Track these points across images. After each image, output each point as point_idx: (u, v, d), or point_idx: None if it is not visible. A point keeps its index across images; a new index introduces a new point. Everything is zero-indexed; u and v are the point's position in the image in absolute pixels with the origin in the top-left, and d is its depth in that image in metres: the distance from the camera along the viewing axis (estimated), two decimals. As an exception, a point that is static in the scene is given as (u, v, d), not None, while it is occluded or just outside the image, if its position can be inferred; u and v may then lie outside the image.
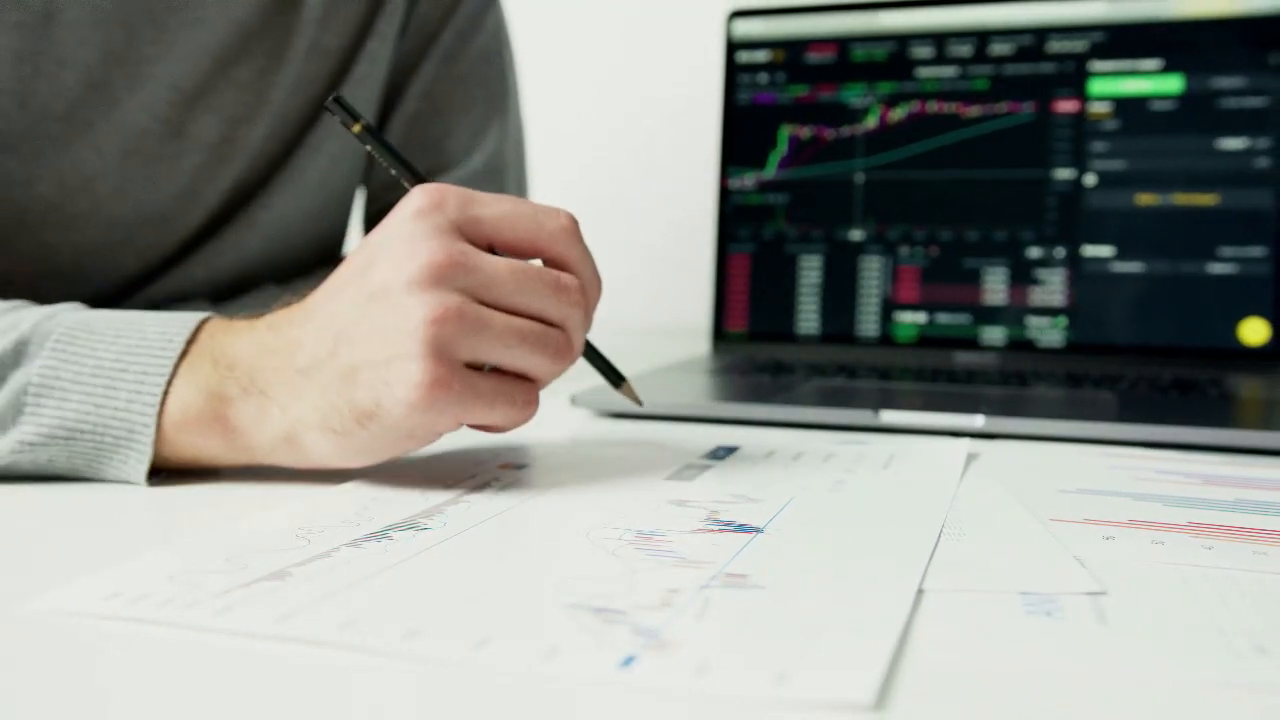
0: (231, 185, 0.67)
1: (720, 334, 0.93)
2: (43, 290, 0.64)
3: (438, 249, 0.40)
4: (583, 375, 0.78)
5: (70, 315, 0.44)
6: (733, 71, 0.94)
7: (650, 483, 0.44)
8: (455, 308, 0.39)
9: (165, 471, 0.44)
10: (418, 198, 0.41)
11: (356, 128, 0.46)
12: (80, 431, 0.42)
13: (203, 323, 0.44)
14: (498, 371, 0.42)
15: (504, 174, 0.79)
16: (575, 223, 0.44)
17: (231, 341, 0.43)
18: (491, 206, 0.42)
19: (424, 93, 0.76)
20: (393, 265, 0.40)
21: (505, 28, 0.81)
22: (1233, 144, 0.82)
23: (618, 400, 0.62)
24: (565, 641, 0.26)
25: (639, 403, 0.50)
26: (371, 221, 0.81)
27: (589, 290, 0.44)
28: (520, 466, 0.47)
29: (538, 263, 0.44)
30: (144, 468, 0.42)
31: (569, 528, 0.37)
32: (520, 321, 0.41)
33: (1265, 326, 0.81)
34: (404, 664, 0.25)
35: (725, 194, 0.94)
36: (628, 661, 0.25)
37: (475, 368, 0.41)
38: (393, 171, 0.47)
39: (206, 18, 0.63)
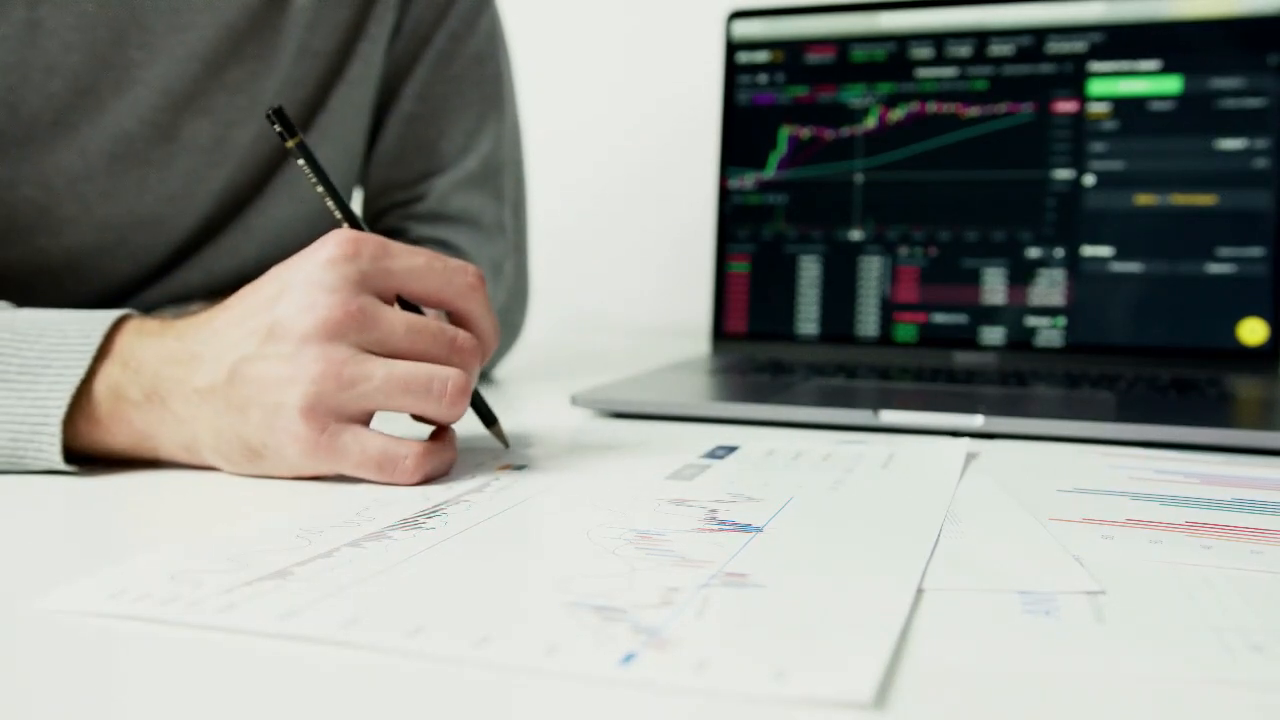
0: (224, 188, 0.67)
1: (720, 334, 0.93)
2: (38, 293, 0.64)
3: (337, 304, 0.42)
4: (583, 375, 0.78)
5: (2, 315, 0.46)
6: (732, 72, 0.94)
7: (650, 482, 0.44)
8: (337, 366, 0.42)
9: (84, 460, 0.45)
10: (333, 245, 0.43)
11: (291, 142, 0.48)
12: (3, 423, 0.44)
13: (121, 320, 0.45)
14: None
15: (500, 175, 0.79)
16: (481, 279, 0.47)
17: (142, 344, 0.45)
18: (403, 259, 0.44)
19: (418, 95, 0.76)
20: (296, 310, 0.42)
21: (500, 29, 0.81)
22: (1231, 144, 0.82)
23: (618, 400, 0.62)
24: (565, 639, 0.26)
25: (506, 445, 0.51)
26: (367, 224, 0.81)
27: (486, 344, 0.47)
28: (520, 466, 0.47)
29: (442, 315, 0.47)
30: (58, 457, 0.43)
31: (569, 527, 0.37)
32: (402, 371, 0.43)
33: (1263, 326, 0.81)
34: (406, 662, 0.25)
35: (725, 194, 0.94)
36: (628, 659, 0.25)
37: (359, 419, 0.43)
38: (326, 198, 0.48)
39: (195, 22, 0.63)
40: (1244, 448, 0.53)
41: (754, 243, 0.93)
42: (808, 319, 0.91)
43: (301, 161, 0.48)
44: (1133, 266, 0.84)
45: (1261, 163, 0.81)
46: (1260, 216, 0.81)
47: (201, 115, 0.65)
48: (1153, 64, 0.84)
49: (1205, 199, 0.82)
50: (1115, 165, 0.84)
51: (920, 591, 0.31)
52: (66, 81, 0.59)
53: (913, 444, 0.53)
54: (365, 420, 0.44)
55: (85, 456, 0.45)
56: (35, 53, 0.58)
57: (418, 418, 0.45)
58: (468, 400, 0.45)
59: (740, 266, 0.93)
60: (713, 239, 0.94)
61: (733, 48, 0.94)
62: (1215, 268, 0.82)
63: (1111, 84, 0.85)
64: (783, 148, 0.92)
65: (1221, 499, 0.43)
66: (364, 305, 0.43)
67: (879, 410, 0.58)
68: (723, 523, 0.38)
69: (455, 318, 0.47)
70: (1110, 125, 0.85)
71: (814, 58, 0.92)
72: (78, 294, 0.66)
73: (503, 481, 0.44)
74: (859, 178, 0.90)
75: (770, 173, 0.93)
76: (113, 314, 0.46)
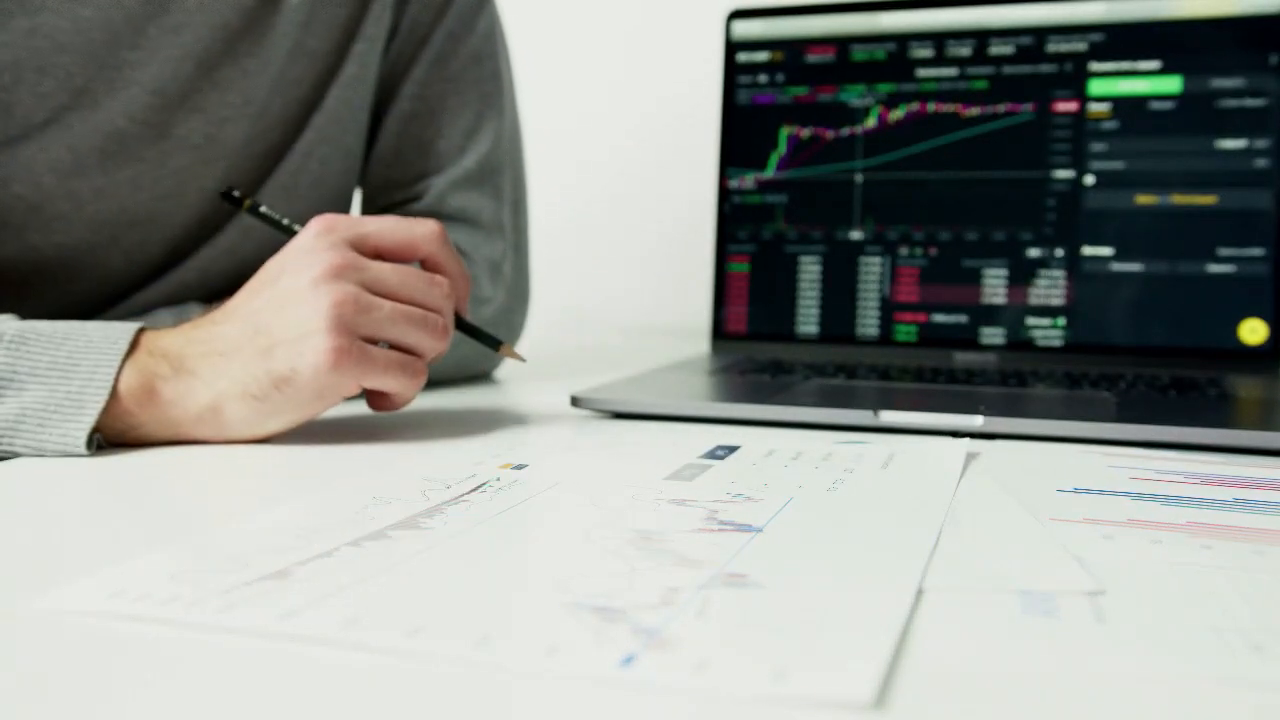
0: (217, 186, 0.67)
1: (720, 334, 0.93)
2: (32, 292, 0.64)
3: (334, 256, 0.51)
4: (583, 375, 0.78)
5: (13, 324, 0.50)
6: (732, 72, 0.94)
7: (650, 483, 0.44)
8: (352, 294, 0.50)
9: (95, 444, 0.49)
10: (314, 224, 0.53)
11: (244, 207, 0.60)
12: (34, 410, 0.48)
13: (140, 330, 0.51)
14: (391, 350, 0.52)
15: (498, 174, 0.79)
16: (443, 230, 0.55)
17: (163, 337, 0.51)
18: (373, 224, 0.54)
19: (416, 94, 0.76)
20: (299, 272, 0.51)
21: (499, 29, 0.81)
22: (1232, 144, 0.82)
23: (618, 400, 0.62)
24: (565, 640, 0.26)
25: (523, 359, 0.61)
26: None
27: (457, 283, 0.56)
28: (520, 466, 0.47)
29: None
30: (85, 432, 0.48)
31: (569, 527, 0.37)
32: (404, 306, 0.52)
33: (1264, 326, 0.81)
34: (406, 662, 0.25)
35: (725, 194, 0.94)
36: (628, 660, 0.25)
37: (372, 343, 0.51)
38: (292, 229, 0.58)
39: (189, 22, 0.63)
40: (1244, 448, 0.53)
41: (754, 243, 0.93)
42: (808, 319, 0.90)
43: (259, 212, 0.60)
44: (1133, 266, 0.84)
45: (1262, 163, 0.81)
46: (1260, 216, 0.81)
47: (194, 113, 0.65)
48: (1153, 64, 0.84)
49: (1205, 199, 0.82)
50: (1115, 165, 0.84)
51: (920, 591, 0.31)
52: (59, 81, 0.60)
53: (913, 444, 0.53)
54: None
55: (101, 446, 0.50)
56: (28, 54, 0.58)
57: (396, 348, 0.53)
58: (449, 337, 0.54)
59: (740, 266, 0.93)
60: (713, 239, 0.94)
61: (733, 48, 0.94)
62: (1215, 268, 0.82)
63: (1112, 84, 0.85)
64: (783, 148, 0.92)
65: (1222, 499, 0.43)
66: (355, 257, 0.51)
67: (879, 410, 0.58)
68: (723, 523, 0.38)
69: (426, 266, 0.55)
70: (1110, 125, 0.85)
71: (814, 58, 0.92)
72: (73, 294, 0.66)
73: (502, 481, 0.44)
74: (859, 178, 0.90)
75: (770, 173, 0.93)
76: (133, 324, 0.51)
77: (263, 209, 0.60)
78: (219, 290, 0.69)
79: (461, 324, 0.58)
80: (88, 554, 0.35)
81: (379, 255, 0.53)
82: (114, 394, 0.49)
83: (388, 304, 0.51)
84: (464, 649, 0.26)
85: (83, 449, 0.48)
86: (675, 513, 0.39)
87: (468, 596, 0.30)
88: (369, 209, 0.80)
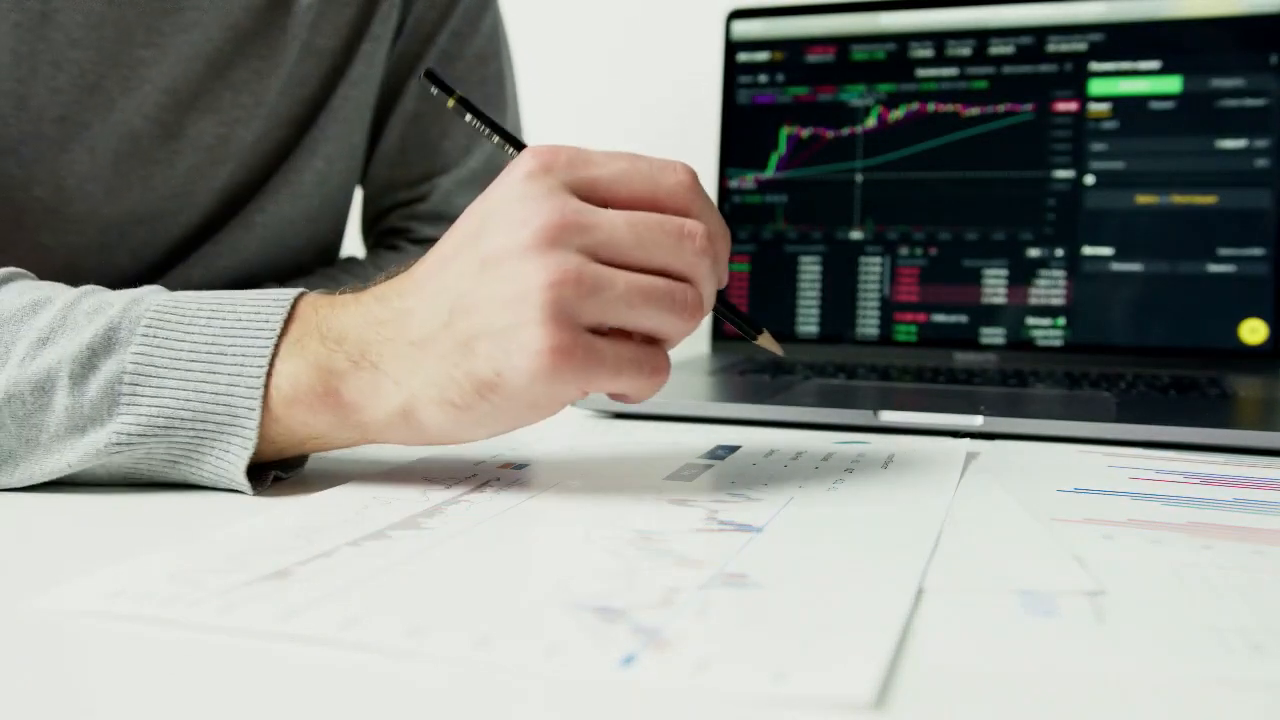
0: (226, 186, 0.67)
1: (720, 334, 0.93)
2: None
3: (551, 210, 0.38)
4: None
5: (156, 298, 0.42)
6: (732, 72, 0.94)
7: (650, 483, 0.44)
8: (574, 270, 0.38)
9: (270, 478, 0.42)
10: (527, 160, 0.40)
11: (451, 101, 0.46)
12: (180, 419, 0.40)
13: (299, 298, 0.42)
14: (623, 334, 0.40)
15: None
16: (694, 175, 0.42)
17: (337, 314, 0.41)
18: (605, 166, 0.41)
19: (421, 94, 0.76)
20: (505, 230, 0.39)
21: (502, 28, 0.81)
22: (1231, 144, 0.82)
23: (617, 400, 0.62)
24: (565, 640, 0.26)
25: (780, 353, 0.49)
26: (370, 223, 0.81)
27: (716, 241, 0.41)
28: (520, 466, 0.47)
29: None
30: (247, 454, 0.40)
31: (569, 528, 0.37)
32: (644, 279, 0.39)
33: (1264, 326, 0.81)
34: (405, 662, 0.25)
35: (725, 194, 0.94)
36: (628, 660, 0.25)
37: (599, 332, 0.39)
38: (495, 139, 0.47)
39: (200, 21, 0.63)
40: (1244, 448, 0.53)
41: (754, 242, 0.93)
42: (808, 319, 0.90)
43: (469, 118, 0.47)
44: (1133, 266, 0.84)
45: (1262, 162, 0.81)
46: (1260, 216, 0.81)
47: (206, 114, 0.65)
48: (1153, 64, 0.84)
49: (1205, 199, 0.82)
50: (1115, 165, 0.84)
51: (920, 592, 0.31)
52: (73, 77, 0.59)
53: (913, 444, 0.53)
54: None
55: (260, 470, 0.42)
56: (44, 45, 0.58)
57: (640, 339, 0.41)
58: (703, 312, 0.41)
59: (740, 266, 0.93)
60: (713, 239, 0.94)
61: (733, 47, 0.94)
62: (1215, 267, 0.82)
63: (1112, 84, 0.85)
64: (783, 147, 0.92)
65: (1222, 499, 0.42)
66: (579, 208, 0.39)
67: (879, 410, 0.58)
68: (723, 523, 0.37)
69: None
70: (1110, 125, 0.85)
71: (814, 57, 0.92)
72: None
73: (503, 481, 0.44)
74: (859, 177, 0.90)
75: (770, 172, 0.93)
76: (288, 294, 0.42)
77: (472, 112, 0.47)
78: (224, 288, 0.69)
79: (721, 300, 0.45)
80: (88, 554, 0.35)
81: (608, 205, 0.40)
82: (284, 394, 0.40)
83: (622, 278, 0.38)
84: (464, 649, 0.26)
85: (240, 480, 0.40)
86: (675, 513, 0.39)
87: (468, 596, 0.30)
88: (370, 209, 0.80)
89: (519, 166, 0.40)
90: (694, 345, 0.98)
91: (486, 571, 0.32)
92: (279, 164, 0.70)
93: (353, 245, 0.83)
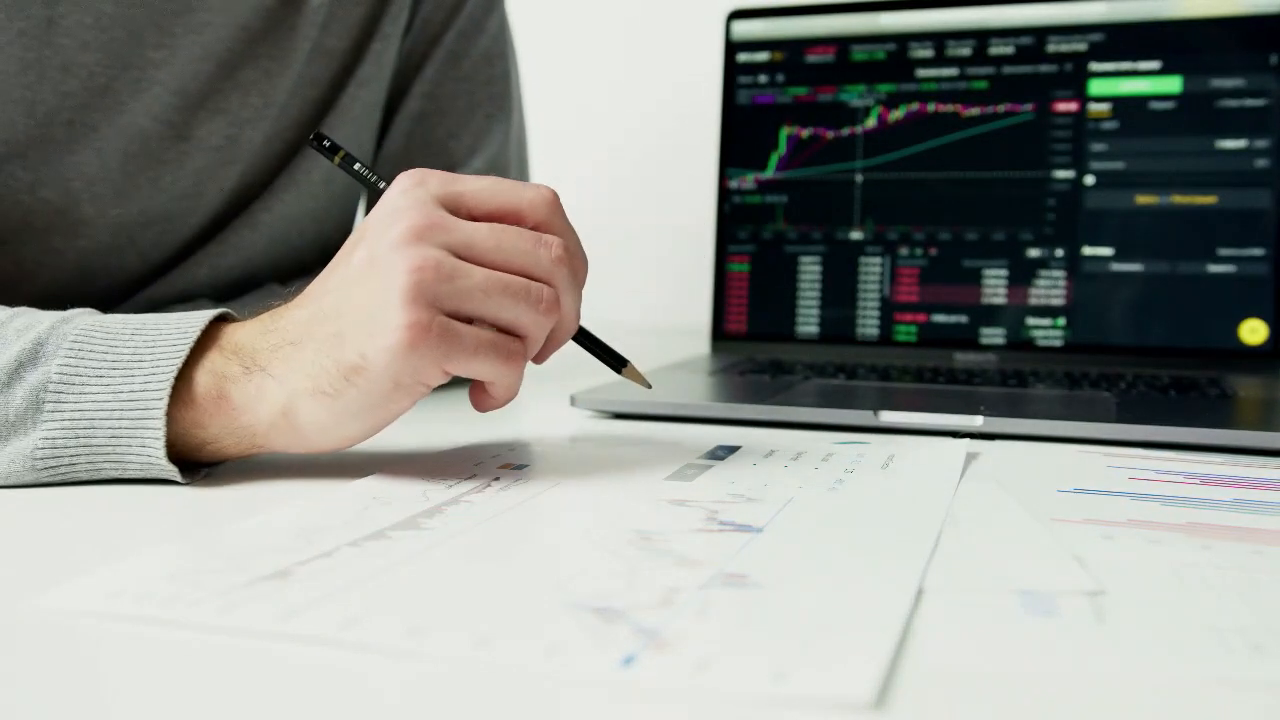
0: (235, 186, 0.68)
1: (720, 334, 0.93)
2: (49, 294, 0.64)
3: (418, 215, 0.42)
4: (583, 375, 0.78)
5: (86, 318, 0.45)
6: (732, 72, 0.94)
7: (650, 483, 0.44)
8: (434, 259, 0.41)
9: (202, 472, 0.44)
10: (402, 179, 0.44)
11: (337, 159, 0.50)
12: (98, 422, 0.42)
13: (215, 319, 0.45)
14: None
15: (507, 174, 0.79)
16: (556, 196, 0.45)
17: (238, 330, 0.44)
18: (471, 182, 0.44)
19: (428, 93, 0.76)
20: (377, 236, 0.42)
21: (508, 29, 0.81)
22: (1231, 144, 0.82)
23: (618, 400, 0.62)
24: (565, 640, 0.26)
25: (647, 385, 0.51)
26: None
27: (574, 258, 0.44)
28: (520, 466, 0.47)
29: None
30: (161, 452, 0.42)
31: (569, 528, 0.37)
32: (502, 275, 0.42)
33: (1264, 326, 0.81)
34: (405, 663, 0.25)
35: (725, 194, 0.94)
36: (628, 660, 0.25)
37: (458, 318, 0.42)
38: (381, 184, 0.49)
39: (210, 21, 0.63)
40: (1244, 448, 0.53)
41: (754, 243, 0.93)
42: (808, 319, 0.90)
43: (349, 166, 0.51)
44: (1133, 266, 0.84)
45: (1262, 163, 0.81)
46: (1260, 216, 0.81)
47: (216, 115, 0.65)
48: (1153, 64, 0.84)
49: (1205, 199, 0.82)
50: (1115, 165, 0.84)
51: (920, 592, 0.31)
52: (82, 80, 0.59)
53: (913, 444, 0.53)
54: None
55: (181, 462, 0.44)
56: (52, 51, 0.58)
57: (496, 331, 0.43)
58: (560, 313, 0.44)
59: (740, 266, 0.93)
60: (713, 239, 0.94)
61: (733, 48, 0.94)
62: (1216, 268, 0.82)
63: (1112, 84, 0.85)
64: (783, 148, 0.92)
65: (1222, 499, 0.42)
66: (444, 214, 0.42)
67: (879, 410, 0.58)
68: (723, 523, 0.38)
69: None
70: (1110, 125, 0.85)
71: (814, 58, 0.92)
72: (84, 292, 0.66)
73: (503, 482, 0.44)
74: (859, 178, 0.90)
75: (770, 173, 0.93)
76: (208, 313, 0.45)
77: (357, 166, 0.50)
78: (228, 287, 0.69)
79: (583, 333, 0.48)
80: (88, 554, 0.35)
81: (474, 218, 0.44)
82: (186, 400, 0.42)
83: (480, 271, 0.41)
84: (464, 649, 0.26)
85: (164, 462, 0.42)
86: (675, 513, 0.39)
87: (467, 597, 0.30)
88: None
89: (395, 185, 0.44)
90: (694, 345, 0.98)
91: (486, 572, 0.32)
92: (287, 164, 0.70)
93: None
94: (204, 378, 0.43)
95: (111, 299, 0.67)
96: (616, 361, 0.50)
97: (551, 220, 0.44)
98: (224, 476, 0.45)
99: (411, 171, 0.44)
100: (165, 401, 0.42)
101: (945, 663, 0.26)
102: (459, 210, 0.43)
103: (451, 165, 0.76)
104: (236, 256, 0.69)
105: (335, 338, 0.41)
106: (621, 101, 1.32)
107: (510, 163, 0.79)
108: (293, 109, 0.68)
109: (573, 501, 0.41)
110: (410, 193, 0.43)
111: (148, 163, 0.63)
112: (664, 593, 0.30)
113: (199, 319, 0.44)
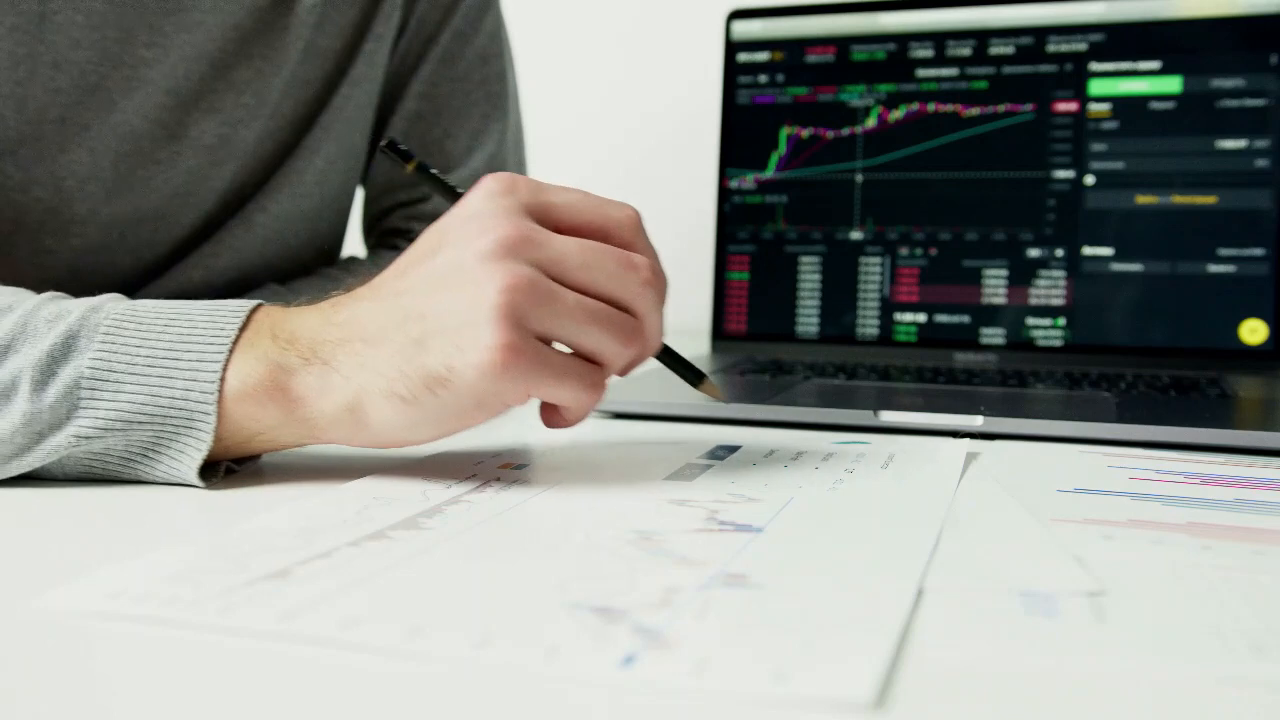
0: (227, 186, 0.67)
1: (720, 334, 0.93)
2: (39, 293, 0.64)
3: (509, 225, 0.40)
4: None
5: (115, 305, 0.44)
6: (732, 72, 0.94)
7: (650, 483, 0.44)
8: (528, 278, 0.40)
9: (222, 470, 0.44)
10: (489, 182, 0.42)
11: (410, 167, 0.48)
12: (138, 421, 0.41)
13: (255, 308, 0.44)
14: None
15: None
16: (639, 215, 0.44)
17: (291, 319, 0.43)
18: (560, 194, 0.43)
19: (423, 94, 0.76)
20: (464, 242, 0.41)
21: (503, 29, 0.81)
22: (1232, 144, 0.82)
23: (617, 400, 0.62)
24: (566, 641, 0.26)
25: (723, 399, 0.50)
26: (371, 223, 0.81)
27: (659, 279, 0.44)
28: (520, 466, 0.47)
29: None
30: (201, 456, 0.41)
31: (569, 527, 0.37)
32: (591, 301, 0.41)
33: (1264, 326, 0.81)
34: (405, 663, 0.25)
35: (725, 194, 0.94)
36: (628, 660, 0.25)
37: (544, 341, 0.41)
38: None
39: (202, 21, 0.63)
40: (1244, 448, 0.53)
41: (754, 243, 0.93)
42: (808, 319, 0.90)
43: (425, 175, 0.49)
44: (1133, 266, 0.84)
45: (1262, 163, 0.81)
46: (1261, 216, 0.81)
47: (208, 115, 0.65)
48: (1153, 64, 0.84)
49: (1205, 199, 0.82)
50: (1115, 165, 0.84)
51: (920, 592, 0.31)
52: (73, 78, 0.59)
53: (913, 444, 0.53)
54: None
55: (211, 465, 0.43)
56: (43, 47, 0.58)
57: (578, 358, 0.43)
58: (643, 339, 0.43)
59: (740, 266, 0.93)
60: (713, 239, 0.94)
61: (733, 48, 0.94)
62: (1216, 268, 0.82)
63: (1112, 84, 0.85)
64: (783, 148, 0.92)
65: (1222, 499, 0.42)
66: (534, 227, 0.41)
67: (879, 410, 0.58)
68: (723, 523, 0.37)
69: None
70: (1110, 125, 0.85)
71: (814, 58, 0.92)
72: (76, 292, 0.66)
73: (503, 482, 0.44)
74: (859, 178, 0.90)
75: (770, 173, 0.93)
76: (243, 305, 0.44)
77: (433, 170, 0.49)
78: (222, 287, 0.69)
79: (664, 348, 0.48)
80: (88, 554, 0.35)
81: (560, 231, 0.43)
82: (239, 393, 0.41)
83: (571, 295, 0.41)
84: (464, 649, 0.26)
85: (196, 481, 0.42)
86: (675, 513, 0.39)
87: (467, 597, 0.30)
88: (371, 209, 0.80)
89: (481, 188, 0.42)
90: (694, 345, 0.98)
91: (486, 572, 0.32)
92: (280, 164, 0.70)
93: (354, 246, 0.83)
94: (257, 367, 0.41)
95: None
96: (694, 375, 0.49)
97: (635, 240, 0.44)
98: (224, 477, 0.45)
99: (499, 175, 0.43)
100: (213, 408, 0.41)
101: (945, 663, 0.26)
102: (546, 221, 0.42)
103: (447, 166, 0.76)
104: (230, 257, 0.69)
105: (417, 344, 0.40)
106: (621, 101, 1.32)
107: (508, 163, 0.79)
108: (285, 109, 0.68)
109: (573, 501, 0.41)
110: (498, 199, 0.42)
111: (140, 162, 0.63)
112: (664, 593, 0.30)
113: (235, 312, 0.43)
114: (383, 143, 0.49)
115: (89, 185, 0.62)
